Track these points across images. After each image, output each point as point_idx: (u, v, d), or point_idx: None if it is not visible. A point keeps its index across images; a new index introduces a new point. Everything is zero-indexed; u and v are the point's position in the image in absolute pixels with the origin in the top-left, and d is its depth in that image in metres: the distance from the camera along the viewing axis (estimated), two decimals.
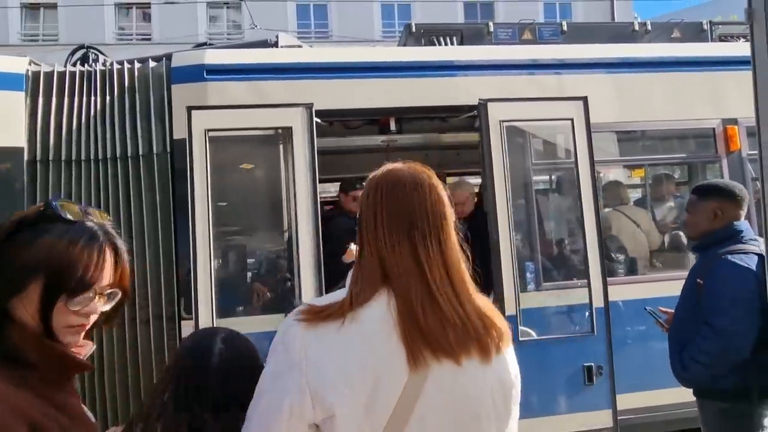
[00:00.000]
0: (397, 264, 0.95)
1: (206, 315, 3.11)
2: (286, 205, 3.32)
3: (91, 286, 0.89)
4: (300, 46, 4.20)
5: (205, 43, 4.84)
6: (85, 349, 0.96)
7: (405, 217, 0.98)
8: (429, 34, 4.17)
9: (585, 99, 3.58)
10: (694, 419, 3.33)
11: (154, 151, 3.41)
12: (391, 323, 0.91)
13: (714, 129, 3.97)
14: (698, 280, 2.25)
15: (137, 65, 3.59)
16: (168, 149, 3.35)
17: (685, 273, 2.46)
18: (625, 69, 3.91)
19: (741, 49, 3.71)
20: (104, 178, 3.37)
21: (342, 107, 3.60)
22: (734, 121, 3.90)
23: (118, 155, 3.40)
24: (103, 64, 3.70)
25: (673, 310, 2.51)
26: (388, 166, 1.06)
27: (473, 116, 3.73)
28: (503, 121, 3.52)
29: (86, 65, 3.72)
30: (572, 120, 3.58)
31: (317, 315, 0.94)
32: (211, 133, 3.27)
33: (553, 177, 4.23)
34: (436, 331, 0.92)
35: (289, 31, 10.50)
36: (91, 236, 0.94)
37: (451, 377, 0.91)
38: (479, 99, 3.54)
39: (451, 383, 0.91)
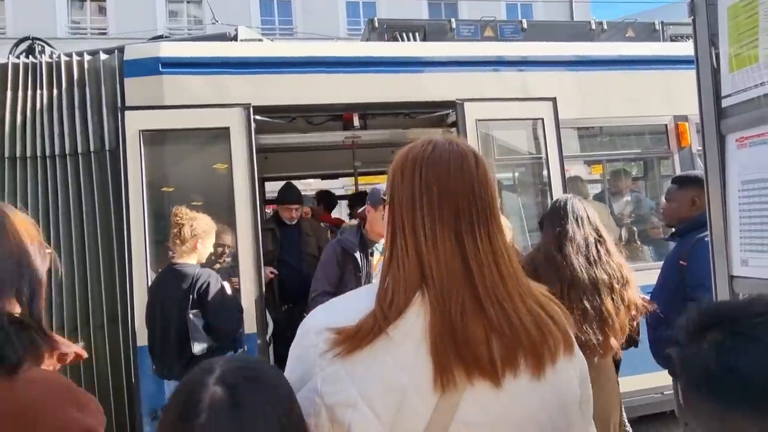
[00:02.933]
0: (438, 263, 0.78)
1: (141, 318, 3.03)
2: (226, 207, 3.26)
3: None
4: (261, 40, 4.11)
5: (161, 36, 4.66)
6: None
7: (450, 203, 0.80)
8: (392, 30, 4.17)
9: (554, 99, 3.72)
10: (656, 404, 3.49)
11: (107, 147, 3.28)
12: (420, 335, 0.77)
13: (666, 125, 4.13)
14: (681, 262, 2.38)
15: (87, 58, 3.42)
16: (121, 145, 3.21)
17: (642, 264, 2.55)
18: (586, 67, 4.03)
19: (690, 48, 3.88)
20: (53, 176, 3.21)
21: (305, 102, 3.55)
22: (684, 118, 4.07)
23: (67, 152, 3.24)
24: (50, 57, 3.52)
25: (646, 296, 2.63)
26: (426, 139, 0.87)
27: (444, 114, 3.80)
28: (479, 120, 3.60)
29: (31, 57, 3.52)
30: (542, 119, 3.71)
31: (352, 340, 0.76)
32: (146, 134, 3.19)
33: (524, 172, 4.32)
34: (476, 344, 0.76)
35: (252, 27, 10.27)
36: None
37: (492, 398, 0.77)
38: (456, 99, 3.59)
39: (493, 405, 0.77)
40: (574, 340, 0.86)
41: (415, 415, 0.75)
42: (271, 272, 3.69)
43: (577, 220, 2.17)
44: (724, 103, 1.15)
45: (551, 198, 3.73)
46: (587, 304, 2.02)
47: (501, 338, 0.78)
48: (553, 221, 2.23)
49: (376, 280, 0.87)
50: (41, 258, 0.81)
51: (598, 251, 2.13)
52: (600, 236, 2.18)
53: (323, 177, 6.00)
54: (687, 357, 0.61)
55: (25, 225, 0.81)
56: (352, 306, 0.82)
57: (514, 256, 0.85)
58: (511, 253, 0.84)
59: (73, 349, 0.81)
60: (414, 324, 0.77)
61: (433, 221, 0.80)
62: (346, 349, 0.76)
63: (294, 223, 4.09)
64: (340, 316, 0.81)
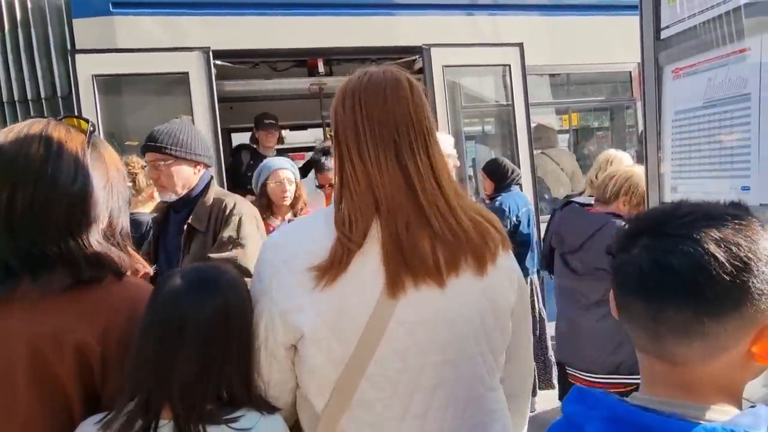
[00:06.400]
0: (385, 184, 0.84)
1: None
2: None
3: None
4: None
5: None
6: None
7: (390, 127, 0.85)
8: None
9: (521, 45, 3.68)
10: None
11: (58, 94, 3.14)
12: (373, 249, 0.84)
13: (630, 72, 4.18)
14: None
15: None
16: (74, 91, 3.08)
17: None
18: (553, 12, 3.99)
19: None
20: (2, 125, 3.07)
21: (268, 47, 3.44)
22: None
23: (16, 98, 3.10)
24: None
25: None
26: (362, 70, 0.91)
27: (411, 60, 3.74)
28: (446, 66, 3.55)
29: None
30: (509, 65, 3.69)
31: (330, 271, 0.83)
32: (100, 80, 3.03)
33: (491, 119, 4.34)
34: (423, 253, 0.83)
35: None
36: None
37: (428, 299, 0.85)
38: (423, 44, 3.52)
39: (429, 305, 0.85)
40: (509, 241, 0.95)
41: (356, 317, 0.83)
42: None
43: None
44: (663, 34, 1.18)
45: (517, 145, 3.78)
46: None
47: (445, 245, 0.85)
48: None
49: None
50: (123, 183, 0.95)
51: None
52: None
53: (291, 128, 5.90)
54: (621, 263, 0.64)
55: (114, 156, 0.94)
56: (311, 230, 0.89)
57: (452, 174, 0.92)
58: (449, 170, 0.91)
59: (144, 266, 0.96)
60: (370, 242, 0.84)
61: (376, 145, 0.85)
62: (329, 280, 0.83)
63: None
64: (298, 238, 0.90)
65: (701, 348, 0.58)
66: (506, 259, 0.94)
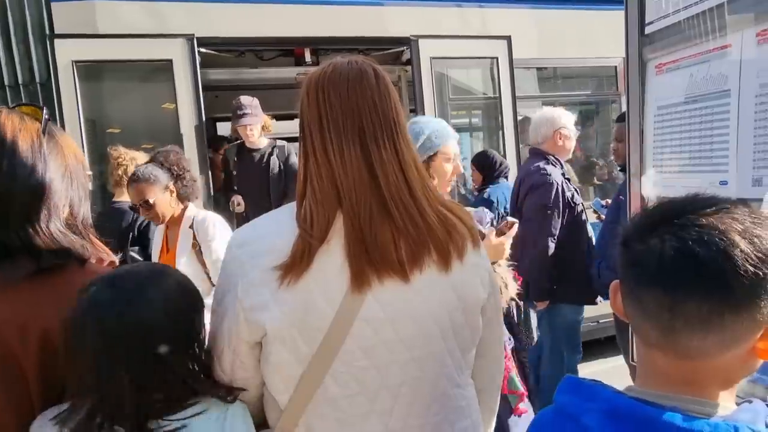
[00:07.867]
0: (347, 176, 0.82)
1: None
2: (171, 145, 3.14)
3: None
4: None
5: None
6: None
7: (353, 118, 0.83)
8: None
9: (509, 38, 3.68)
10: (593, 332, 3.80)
11: (37, 80, 3.06)
12: (337, 244, 0.83)
13: (616, 67, 4.21)
14: (620, 197, 2.49)
15: None
16: (53, 78, 3.00)
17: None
18: (540, 4, 3.99)
19: None
20: None
21: (254, 35, 3.39)
22: None
23: None
24: None
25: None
26: (328, 61, 0.90)
27: (400, 51, 3.72)
28: (434, 57, 3.55)
29: None
30: (497, 58, 3.69)
31: (293, 269, 0.82)
32: (81, 66, 2.96)
33: (478, 112, 4.34)
34: (384, 247, 0.82)
35: None
36: None
37: (394, 295, 0.84)
38: (411, 35, 3.50)
39: (395, 302, 0.84)
40: (479, 237, 0.94)
41: (322, 315, 0.82)
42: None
43: None
44: (648, 29, 1.19)
45: (503, 138, 3.81)
46: None
47: (407, 239, 0.84)
48: None
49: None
50: (83, 172, 0.92)
51: None
52: None
53: (278, 118, 5.84)
54: (636, 253, 0.60)
55: (72, 145, 0.91)
56: (278, 226, 0.87)
57: (422, 166, 0.90)
58: (418, 162, 0.89)
59: (108, 255, 0.94)
60: (334, 237, 0.83)
61: (340, 138, 0.83)
62: (293, 278, 0.81)
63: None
64: (265, 234, 0.88)
65: (715, 342, 0.57)
66: (476, 256, 0.92)
